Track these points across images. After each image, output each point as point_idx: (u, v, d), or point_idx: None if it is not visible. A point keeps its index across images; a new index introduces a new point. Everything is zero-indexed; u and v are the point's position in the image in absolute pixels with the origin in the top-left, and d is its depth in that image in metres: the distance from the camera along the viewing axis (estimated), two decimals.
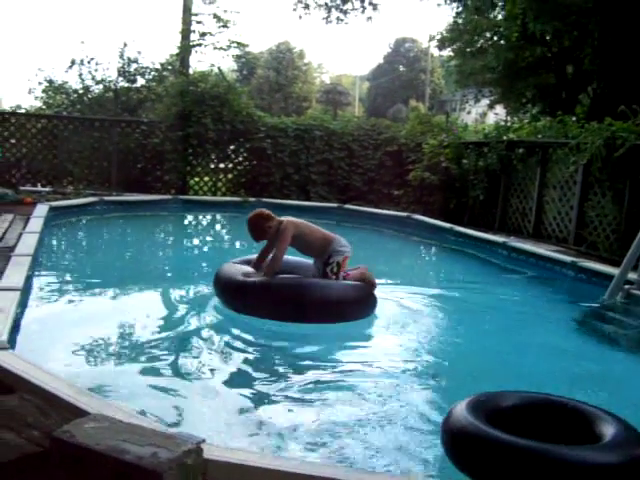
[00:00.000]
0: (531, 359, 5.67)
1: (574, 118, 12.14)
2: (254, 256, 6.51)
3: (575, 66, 16.75)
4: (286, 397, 4.42)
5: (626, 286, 7.19)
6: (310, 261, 6.58)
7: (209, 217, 14.34)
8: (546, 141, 11.68)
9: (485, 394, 3.57)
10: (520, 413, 3.41)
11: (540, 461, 2.91)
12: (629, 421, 3.26)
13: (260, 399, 4.41)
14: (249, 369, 5.05)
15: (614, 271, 7.51)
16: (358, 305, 6.23)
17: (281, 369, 5.08)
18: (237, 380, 4.85)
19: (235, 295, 6.10)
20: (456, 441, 3.24)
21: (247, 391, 4.55)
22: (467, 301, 7.72)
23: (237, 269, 6.23)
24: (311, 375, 4.90)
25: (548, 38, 16.39)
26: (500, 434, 3.04)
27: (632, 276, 7.26)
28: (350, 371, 5.03)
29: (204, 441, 2.73)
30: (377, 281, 6.40)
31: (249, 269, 6.27)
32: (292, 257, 6.57)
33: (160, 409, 4.02)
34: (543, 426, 3.34)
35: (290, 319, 5.88)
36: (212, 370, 4.88)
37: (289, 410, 4.26)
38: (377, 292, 6.35)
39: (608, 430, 3.16)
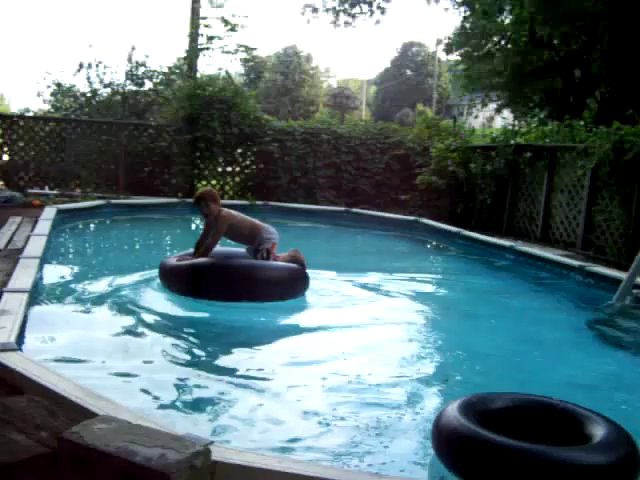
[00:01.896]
0: (537, 363, 5.65)
1: (582, 122, 12.10)
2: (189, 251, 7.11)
3: (583, 70, 16.71)
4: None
5: (634, 290, 7.17)
6: (243, 250, 7.21)
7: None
8: (554, 145, 11.67)
9: (477, 395, 3.58)
10: (512, 414, 3.43)
11: (529, 462, 2.94)
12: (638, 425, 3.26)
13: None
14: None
15: (622, 275, 7.49)
16: (292, 284, 6.87)
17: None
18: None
19: (171, 278, 6.77)
20: (447, 442, 3.25)
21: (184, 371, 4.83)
22: (473, 305, 7.72)
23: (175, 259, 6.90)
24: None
25: (556, 42, 16.36)
26: (490, 435, 3.05)
27: None
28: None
29: (212, 443, 2.74)
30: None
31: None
32: (227, 248, 7.33)
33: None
34: (534, 427, 3.37)
35: (223, 298, 6.45)
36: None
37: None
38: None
39: (597, 431, 3.17)
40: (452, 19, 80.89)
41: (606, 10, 14.23)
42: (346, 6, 23.82)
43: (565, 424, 3.35)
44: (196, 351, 5.44)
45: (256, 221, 7.24)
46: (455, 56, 22.28)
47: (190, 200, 14.00)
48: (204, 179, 15.89)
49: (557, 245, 10.85)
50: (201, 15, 17.63)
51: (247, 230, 7.06)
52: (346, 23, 24.13)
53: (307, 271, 7.07)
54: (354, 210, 13.99)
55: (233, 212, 7.20)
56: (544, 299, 8.36)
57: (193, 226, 13.83)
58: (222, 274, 6.64)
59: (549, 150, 11.57)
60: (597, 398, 4.59)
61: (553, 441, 3.17)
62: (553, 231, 11.28)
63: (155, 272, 7.05)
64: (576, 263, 8.82)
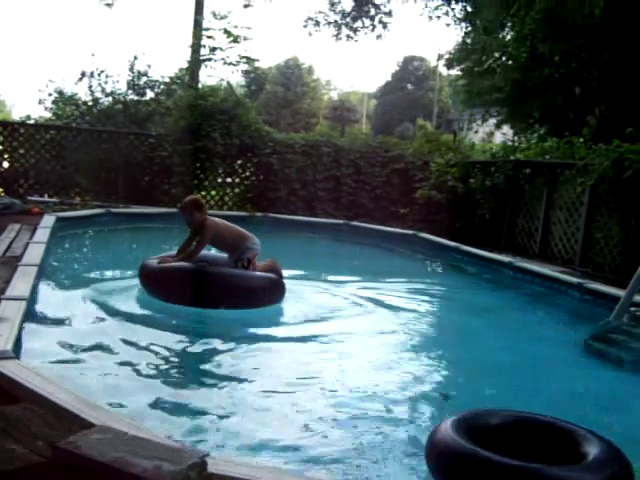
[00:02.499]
0: (534, 380, 5.65)
1: (581, 139, 12.14)
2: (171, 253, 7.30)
3: (583, 87, 16.79)
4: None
5: (632, 308, 7.15)
6: (225, 255, 7.43)
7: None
8: (553, 162, 11.70)
9: (471, 412, 3.57)
10: (506, 432, 3.42)
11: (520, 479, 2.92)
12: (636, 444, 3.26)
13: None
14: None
15: (620, 293, 7.47)
16: (269, 292, 7.08)
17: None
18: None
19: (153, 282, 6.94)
20: (440, 459, 3.25)
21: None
22: (470, 321, 7.71)
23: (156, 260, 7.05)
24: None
25: (556, 59, 16.45)
26: (483, 452, 3.05)
27: (638, 298, 7.23)
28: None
29: (208, 454, 2.73)
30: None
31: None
32: (211, 252, 7.53)
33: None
34: (528, 445, 3.36)
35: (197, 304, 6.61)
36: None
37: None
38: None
39: (591, 449, 3.17)
40: (453, 34, 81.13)
41: (604, 28, 14.31)
42: (348, 20, 23.94)
43: (559, 442, 3.34)
44: (196, 360, 5.47)
45: (242, 230, 7.44)
46: (456, 71, 22.47)
47: None
48: (204, 189, 15.88)
49: (556, 262, 10.85)
50: (204, 26, 17.65)
51: (231, 239, 7.27)
52: (348, 37, 24.25)
53: (284, 280, 7.31)
54: (353, 223, 13.98)
55: (218, 220, 7.40)
56: (542, 315, 8.37)
57: None
58: (203, 281, 6.72)
59: (548, 166, 11.59)
60: (593, 416, 4.59)
61: (547, 459, 3.16)
62: (552, 247, 11.28)
63: None
64: (575, 280, 8.82)
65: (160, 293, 6.84)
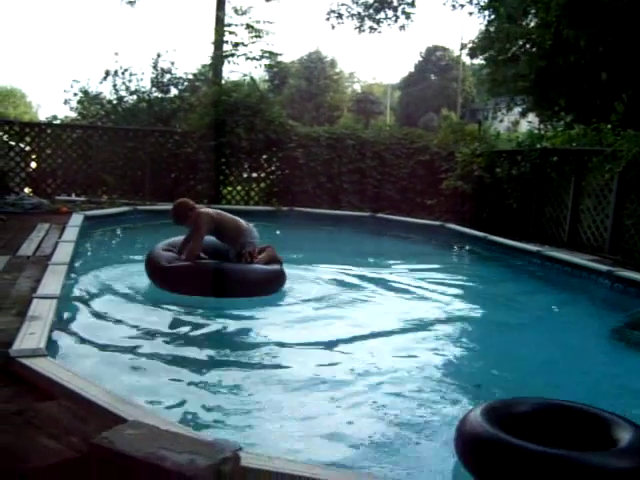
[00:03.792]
0: (564, 369, 5.61)
1: (609, 125, 11.97)
2: (178, 238, 7.60)
3: (609, 73, 16.55)
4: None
5: None
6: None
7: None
8: (581, 149, 11.57)
9: (500, 400, 3.56)
10: (535, 419, 3.40)
11: (553, 466, 2.92)
12: None
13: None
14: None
15: None
16: (273, 282, 7.43)
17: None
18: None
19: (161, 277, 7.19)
20: (470, 447, 3.23)
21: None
22: (500, 310, 7.67)
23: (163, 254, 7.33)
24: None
25: (582, 44, 16.23)
26: (512, 439, 3.03)
27: None
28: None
29: (241, 449, 2.73)
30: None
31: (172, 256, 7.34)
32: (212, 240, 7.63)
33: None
34: (558, 432, 3.33)
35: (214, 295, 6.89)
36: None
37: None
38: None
39: (624, 435, 3.13)
40: (476, 23, 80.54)
41: (631, 9, 14.08)
42: (371, 12, 23.83)
43: (590, 428, 3.31)
44: (220, 354, 5.49)
45: (241, 221, 7.62)
46: (479, 60, 22.22)
47: (215, 206, 14.19)
48: (230, 185, 15.93)
49: (585, 250, 10.72)
50: (226, 22, 17.67)
51: (230, 231, 7.46)
52: (371, 29, 24.14)
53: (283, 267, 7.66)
54: (379, 215, 13.95)
55: (211, 211, 7.58)
56: (572, 304, 8.29)
57: None
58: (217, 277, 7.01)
59: (576, 154, 11.47)
60: (623, 403, 4.53)
61: (578, 445, 3.14)
62: (580, 235, 11.16)
63: None
64: (604, 268, 8.72)
65: (173, 288, 7.07)
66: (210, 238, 7.55)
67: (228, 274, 7.11)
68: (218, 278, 6.92)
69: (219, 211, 7.79)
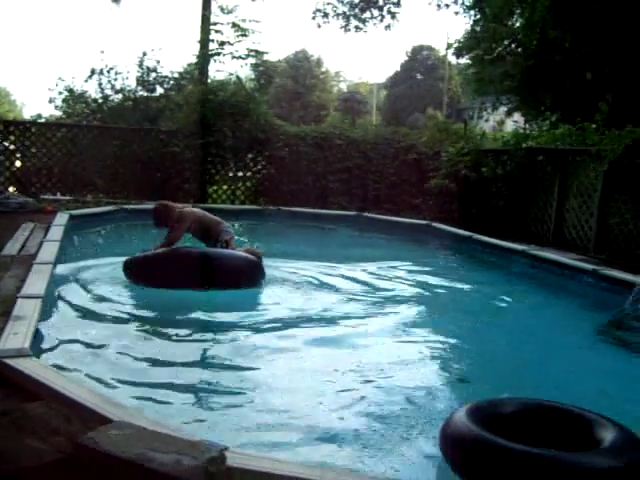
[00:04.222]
0: (550, 367, 5.63)
1: (594, 125, 12.05)
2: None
3: (594, 73, 16.64)
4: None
5: None
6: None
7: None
8: (565, 148, 11.63)
9: (485, 400, 3.58)
10: (520, 419, 3.42)
11: (537, 466, 2.94)
12: None
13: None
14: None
15: (636, 279, 7.45)
16: (252, 271, 7.42)
17: None
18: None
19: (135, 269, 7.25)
20: (455, 447, 3.25)
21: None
22: (485, 309, 7.71)
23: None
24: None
25: (567, 45, 16.30)
26: (497, 440, 3.05)
27: None
28: None
29: (227, 449, 2.74)
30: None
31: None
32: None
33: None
34: (543, 432, 3.36)
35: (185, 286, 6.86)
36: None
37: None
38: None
39: (607, 435, 3.16)
40: (462, 22, 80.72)
41: (616, 11, 14.16)
42: (357, 11, 23.82)
43: (574, 428, 3.34)
44: (206, 353, 5.51)
45: (216, 217, 7.89)
46: (465, 59, 22.27)
47: (201, 205, 14.15)
48: (215, 184, 15.91)
49: (570, 249, 10.78)
50: (212, 21, 17.60)
51: (210, 226, 7.69)
52: (357, 28, 24.11)
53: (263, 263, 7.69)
54: (366, 214, 13.96)
55: (194, 209, 7.96)
56: (557, 303, 8.33)
57: None
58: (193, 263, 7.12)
59: (561, 153, 11.53)
60: (609, 402, 4.56)
61: (562, 445, 3.16)
62: (566, 235, 11.23)
63: None
64: (589, 267, 8.77)
65: (149, 280, 7.08)
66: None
67: (207, 258, 7.16)
68: (198, 263, 7.02)
69: (200, 210, 8.07)
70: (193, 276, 6.90)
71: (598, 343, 6.40)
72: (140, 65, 17.72)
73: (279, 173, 15.62)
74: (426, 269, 9.82)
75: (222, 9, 17.31)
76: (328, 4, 24.10)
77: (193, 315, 6.52)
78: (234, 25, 17.13)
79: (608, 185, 10.09)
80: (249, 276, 7.41)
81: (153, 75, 17.84)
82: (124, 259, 7.48)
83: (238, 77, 17.59)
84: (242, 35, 17.23)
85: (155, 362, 5.14)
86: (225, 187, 15.98)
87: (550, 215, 11.60)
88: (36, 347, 4.46)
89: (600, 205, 10.26)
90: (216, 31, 17.40)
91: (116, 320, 6.17)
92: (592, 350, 6.24)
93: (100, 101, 17.72)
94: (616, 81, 15.35)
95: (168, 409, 4.20)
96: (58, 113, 18.64)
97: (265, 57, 19.07)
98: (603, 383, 5.26)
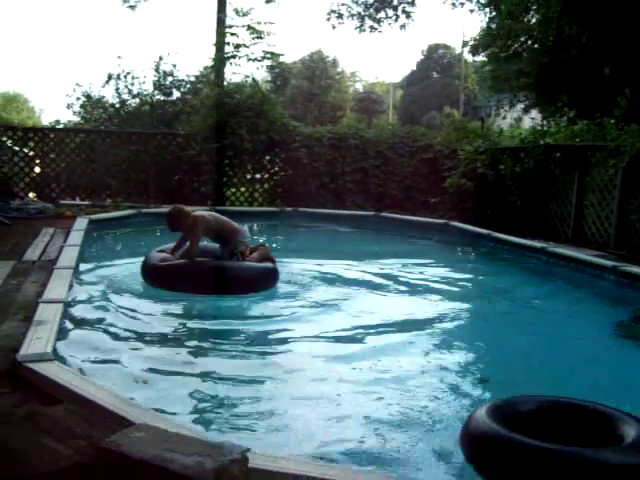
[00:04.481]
0: (571, 364, 5.61)
1: (612, 120, 11.96)
2: (170, 245, 7.74)
3: (612, 67, 16.51)
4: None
5: None
6: (217, 245, 7.86)
7: (246, 228, 14.37)
8: (584, 145, 11.55)
9: (505, 399, 3.56)
10: (541, 417, 3.41)
11: (559, 463, 2.92)
12: None
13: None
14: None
15: None
16: (265, 279, 7.58)
17: None
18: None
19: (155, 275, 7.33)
20: (476, 445, 3.24)
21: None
22: (506, 307, 7.67)
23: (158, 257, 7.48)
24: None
25: (584, 39, 16.19)
26: (519, 437, 3.04)
27: None
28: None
29: (249, 450, 2.74)
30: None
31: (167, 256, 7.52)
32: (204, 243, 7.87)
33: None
34: (564, 429, 3.34)
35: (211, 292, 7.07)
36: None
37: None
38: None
39: (630, 431, 3.13)
40: (478, 20, 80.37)
41: (631, 5, 14.05)
42: (371, 11, 23.78)
43: (596, 425, 3.32)
44: (225, 355, 5.51)
45: (233, 223, 7.83)
46: (481, 57, 22.20)
47: (219, 208, 14.19)
48: (233, 186, 15.94)
49: (589, 245, 10.71)
50: (227, 24, 17.64)
51: (224, 232, 7.65)
52: (371, 28, 24.07)
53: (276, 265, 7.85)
54: (383, 214, 13.95)
55: (207, 214, 7.78)
56: (577, 300, 8.28)
57: None
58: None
59: (579, 150, 11.45)
60: (629, 399, 4.53)
61: (584, 442, 3.14)
62: (585, 231, 11.15)
63: None
64: (609, 263, 8.71)
65: (168, 285, 7.20)
66: (201, 244, 7.73)
67: (223, 271, 7.24)
68: (214, 275, 7.08)
69: (213, 213, 8.05)
70: (212, 286, 7.02)
71: (619, 339, 6.37)
72: (156, 69, 17.84)
73: (296, 174, 15.62)
74: (445, 268, 9.81)
75: (237, 12, 17.33)
76: (342, 5, 24.09)
77: (211, 321, 6.59)
78: (249, 27, 17.15)
79: (628, 181, 10.01)
80: (265, 282, 7.57)
81: (170, 79, 17.95)
82: (142, 260, 7.57)
83: (254, 79, 17.63)
84: (257, 37, 17.24)
85: (176, 365, 5.15)
86: (243, 189, 16.01)
87: (569, 212, 11.52)
88: (58, 351, 4.49)
89: (620, 201, 10.18)
90: (231, 34, 17.43)
91: (136, 324, 6.20)
92: (613, 346, 6.21)
93: (117, 106, 17.83)
94: (634, 75, 15.22)
95: (190, 411, 4.21)
96: (76, 119, 18.80)
97: (281, 59, 19.11)
98: (624, 379, 5.22)
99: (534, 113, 22.17)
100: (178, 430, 2.95)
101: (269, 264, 7.75)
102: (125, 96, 17.85)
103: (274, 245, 10.84)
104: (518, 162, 12.83)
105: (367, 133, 16.67)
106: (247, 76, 17.68)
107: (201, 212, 7.82)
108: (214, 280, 7.01)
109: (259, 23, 17.45)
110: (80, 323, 6.03)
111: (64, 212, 12.57)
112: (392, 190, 15.91)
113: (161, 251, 7.66)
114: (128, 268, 8.31)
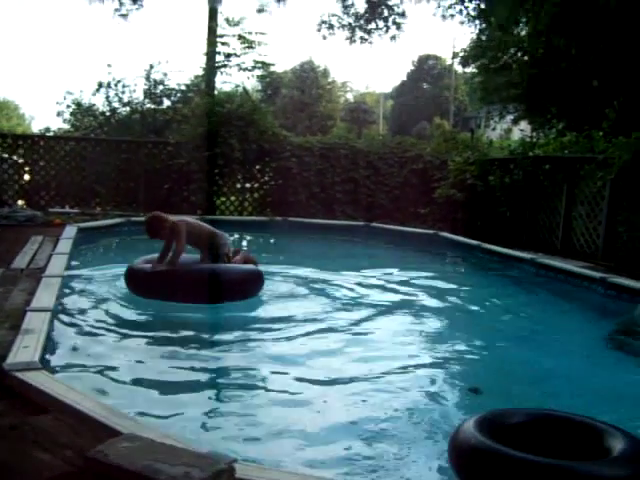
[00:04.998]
0: (559, 376, 5.62)
1: (601, 132, 12.02)
2: (154, 256, 7.55)
3: (600, 80, 16.61)
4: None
5: None
6: (195, 256, 7.75)
7: (236, 237, 14.37)
8: (572, 156, 11.60)
9: (493, 411, 3.57)
10: (529, 429, 3.41)
11: (546, 476, 2.93)
12: None
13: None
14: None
15: None
16: (254, 281, 7.51)
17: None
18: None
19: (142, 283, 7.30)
20: (463, 458, 3.24)
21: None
22: (494, 318, 7.69)
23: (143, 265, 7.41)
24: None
25: (573, 52, 16.30)
26: (506, 450, 3.04)
27: None
28: None
29: (236, 461, 2.74)
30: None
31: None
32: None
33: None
34: (552, 442, 3.34)
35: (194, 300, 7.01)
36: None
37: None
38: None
39: (616, 444, 3.14)
40: (468, 32, 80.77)
41: (621, 17, 14.15)
42: (362, 22, 23.84)
43: (583, 438, 3.32)
44: (213, 364, 5.52)
45: (211, 228, 7.82)
46: (471, 68, 22.27)
47: (209, 217, 14.16)
48: (223, 195, 15.94)
49: (578, 257, 10.74)
50: (218, 33, 17.70)
51: (204, 236, 7.59)
52: (362, 39, 24.10)
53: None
54: (373, 224, 13.97)
55: (186, 219, 7.76)
56: (565, 311, 8.31)
57: None
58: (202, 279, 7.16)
59: (568, 161, 11.50)
60: (619, 411, 4.55)
61: (571, 455, 3.15)
62: (574, 243, 11.19)
63: None
64: (597, 275, 8.74)
65: (153, 293, 7.16)
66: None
67: (213, 274, 7.21)
68: (206, 280, 7.07)
69: (188, 218, 8.02)
70: (200, 291, 6.96)
71: (606, 351, 6.38)
72: (147, 78, 17.85)
73: (286, 184, 15.64)
74: (434, 278, 9.81)
75: (228, 21, 17.42)
76: (333, 16, 24.12)
77: (197, 328, 6.55)
78: (240, 37, 17.24)
79: (616, 193, 10.06)
80: (253, 287, 7.54)
81: (160, 87, 17.97)
82: (125, 268, 7.56)
83: (245, 88, 17.69)
84: (248, 47, 17.33)
85: (164, 375, 5.15)
86: (233, 198, 16.01)
87: (558, 223, 11.57)
88: (45, 360, 4.47)
89: (608, 213, 10.23)
90: (222, 43, 17.52)
91: (124, 333, 6.18)
92: (600, 358, 6.22)
93: (108, 114, 17.83)
94: (623, 88, 15.32)
95: (175, 422, 4.20)
96: (66, 126, 18.78)
97: (271, 69, 19.18)
98: (613, 390, 5.23)
99: (523, 124, 22.27)
100: (166, 440, 2.94)
101: (253, 266, 7.78)
102: (115, 104, 17.87)
103: (263, 255, 10.83)
104: (507, 173, 12.87)
105: (357, 143, 16.74)
106: (238, 85, 17.80)
107: (178, 217, 7.74)
108: (207, 286, 6.96)
109: (250, 33, 17.56)
110: (68, 332, 6.01)
111: (53, 220, 12.54)
112: (382, 200, 15.95)
113: (146, 262, 7.57)
114: (116, 277, 8.29)
